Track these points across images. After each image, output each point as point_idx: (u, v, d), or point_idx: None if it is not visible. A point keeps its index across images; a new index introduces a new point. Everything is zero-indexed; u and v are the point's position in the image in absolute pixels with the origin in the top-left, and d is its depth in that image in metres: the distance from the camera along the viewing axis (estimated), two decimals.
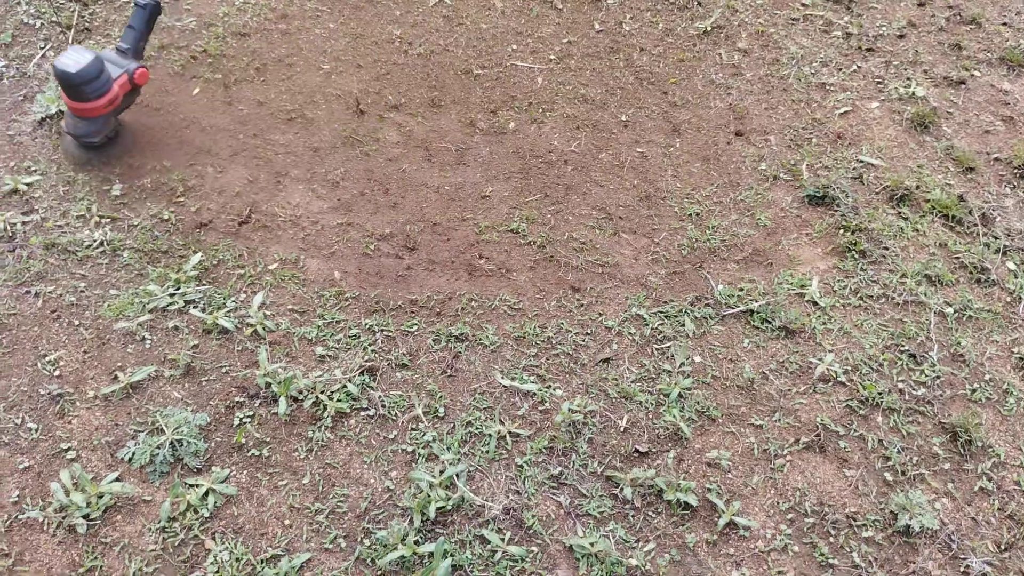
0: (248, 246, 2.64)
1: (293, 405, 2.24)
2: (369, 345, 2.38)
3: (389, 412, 2.24)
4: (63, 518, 2.01)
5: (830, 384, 2.33)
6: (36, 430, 2.18)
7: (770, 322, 2.45)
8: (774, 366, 2.36)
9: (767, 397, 2.29)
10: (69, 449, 2.15)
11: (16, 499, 2.05)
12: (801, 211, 2.82)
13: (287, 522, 2.04)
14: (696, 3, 3.58)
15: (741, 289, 2.54)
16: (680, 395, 2.26)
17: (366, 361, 2.34)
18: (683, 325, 2.45)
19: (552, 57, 3.35)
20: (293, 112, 3.10)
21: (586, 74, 3.28)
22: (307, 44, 3.37)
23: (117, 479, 2.09)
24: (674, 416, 2.21)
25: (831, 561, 1.98)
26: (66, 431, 2.18)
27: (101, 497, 2.04)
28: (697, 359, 2.37)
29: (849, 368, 2.36)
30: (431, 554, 1.95)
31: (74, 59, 2.52)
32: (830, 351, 2.40)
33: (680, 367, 2.34)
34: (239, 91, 3.18)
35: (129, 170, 2.85)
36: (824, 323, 2.47)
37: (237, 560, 1.96)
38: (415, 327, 2.44)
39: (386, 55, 3.33)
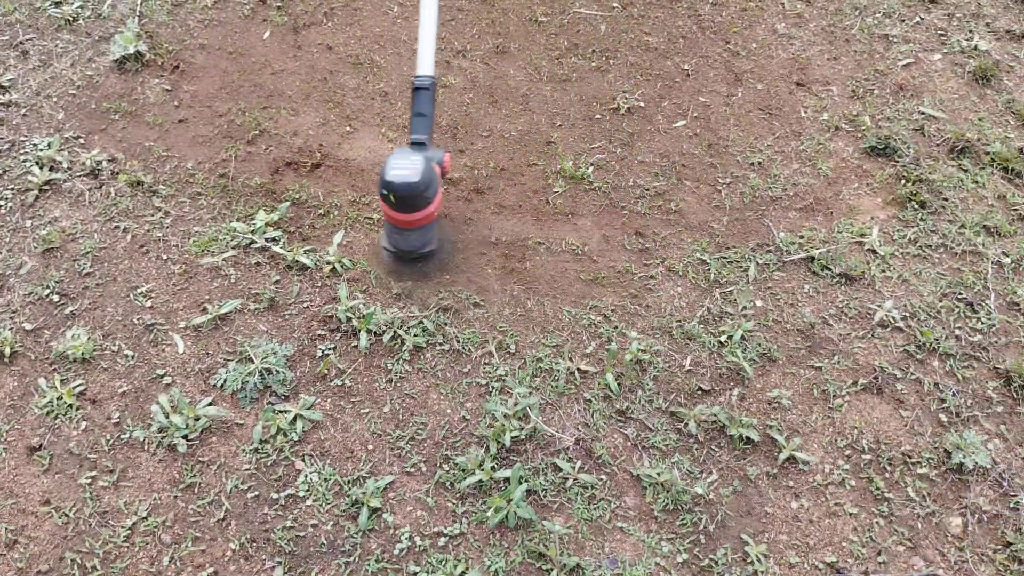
0: (323, 187, 2.74)
1: (373, 339, 2.36)
2: (441, 284, 2.49)
3: (463, 348, 2.35)
4: (163, 438, 2.17)
5: (888, 329, 2.40)
6: (132, 357, 2.33)
7: (830, 269, 2.52)
8: (833, 311, 2.43)
9: (826, 340, 2.37)
10: (165, 375, 2.29)
11: (117, 420, 2.21)
12: (862, 161, 2.85)
13: (370, 447, 2.18)
14: None
15: (802, 236, 2.61)
16: (743, 337, 2.35)
17: (440, 300, 2.44)
18: (745, 270, 2.53)
19: (615, 5, 3.37)
20: (361, 56, 3.18)
21: (649, 23, 3.31)
22: None
23: (211, 403, 2.23)
24: (737, 356, 2.30)
25: (886, 495, 2.08)
26: (161, 358, 2.33)
27: (198, 419, 2.19)
28: (759, 303, 2.45)
29: (907, 314, 2.43)
30: (507, 479, 2.08)
31: (408, 167, 2.24)
32: (889, 298, 2.46)
33: (742, 310, 2.42)
34: (308, 35, 3.25)
35: (209, 112, 2.95)
36: (883, 271, 2.53)
37: (325, 480, 2.11)
38: (486, 268, 2.54)
39: (451, 1, 3.38)
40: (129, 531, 2.00)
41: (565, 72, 3.13)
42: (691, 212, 2.68)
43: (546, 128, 2.95)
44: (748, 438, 2.15)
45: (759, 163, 2.82)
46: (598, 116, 2.99)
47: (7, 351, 2.28)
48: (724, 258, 2.56)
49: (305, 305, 2.45)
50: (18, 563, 1.94)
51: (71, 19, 3.25)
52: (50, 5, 3.29)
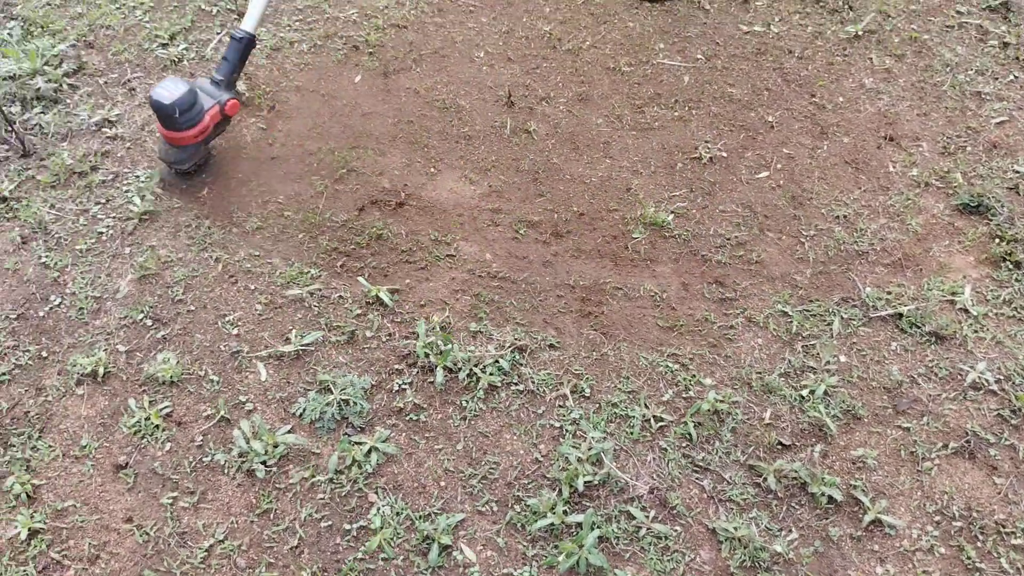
0: (406, 226, 2.80)
1: (449, 376, 2.38)
2: (519, 324, 2.50)
3: (538, 389, 2.35)
4: (242, 463, 2.21)
5: (981, 392, 2.31)
6: (217, 382, 2.39)
7: (919, 327, 2.44)
8: (923, 371, 2.35)
9: (915, 401, 2.29)
10: (247, 401, 2.35)
11: (200, 443, 2.27)
12: (953, 219, 2.78)
13: (442, 483, 2.18)
14: (847, 7, 3.56)
15: (889, 293, 2.54)
16: (825, 392, 2.29)
17: (516, 339, 2.45)
18: (829, 324, 2.47)
19: (699, 57, 3.40)
20: (447, 101, 3.26)
21: (733, 75, 3.32)
22: (460, 37, 3.52)
23: (290, 431, 2.27)
24: (819, 412, 2.24)
25: (978, 565, 1.98)
26: (244, 385, 2.39)
27: (277, 447, 2.23)
28: (843, 359, 2.39)
29: (1001, 377, 2.33)
30: (579, 524, 2.05)
31: (169, 89, 2.60)
32: (981, 359, 2.37)
33: (825, 365, 2.36)
34: (397, 80, 3.35)
35: (300, 150, 3.06)
36: (976, 331, 2.45)
37: (397, 514, 2.11)
38: (563, 311, 2.55)
39: (536, 50, 3.45)
40: (206, 553, 2.04)
41: (647, 120, 3.15)
42: (773, 263, 2.65)
43: (627, 175, 2.96)
44: (831, 497, 2.08)
45: (844, 216, 2.78)
46: (679, 165, 2.99)
47: (101, 371, 2.37)
48: (807, 311, 2.51)
49: (384, 339, 2.49)
50: None
51: (176, 60, 3.43)
52: (157, 47, 3.48)
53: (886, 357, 2.39)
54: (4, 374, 2.38)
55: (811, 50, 3.40)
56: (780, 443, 2.21)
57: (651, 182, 2.94)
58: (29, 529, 2.05)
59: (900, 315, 2.47)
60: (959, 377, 2.33)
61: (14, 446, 2.22)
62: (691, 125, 3.13)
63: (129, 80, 3.38)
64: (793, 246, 2.70)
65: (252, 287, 2.64)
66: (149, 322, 2.52)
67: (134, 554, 2.04)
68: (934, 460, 2.17)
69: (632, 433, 2.25)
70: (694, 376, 2.36)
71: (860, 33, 3.41)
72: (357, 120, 3.20)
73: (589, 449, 2.19)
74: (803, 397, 2.30)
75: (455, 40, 3.51)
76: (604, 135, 3.11)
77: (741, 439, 2.23)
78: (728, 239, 2.73)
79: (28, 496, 2.12)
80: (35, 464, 2.19)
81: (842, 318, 2.48)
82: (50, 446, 2.23)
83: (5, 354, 2.42)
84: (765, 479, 2.13)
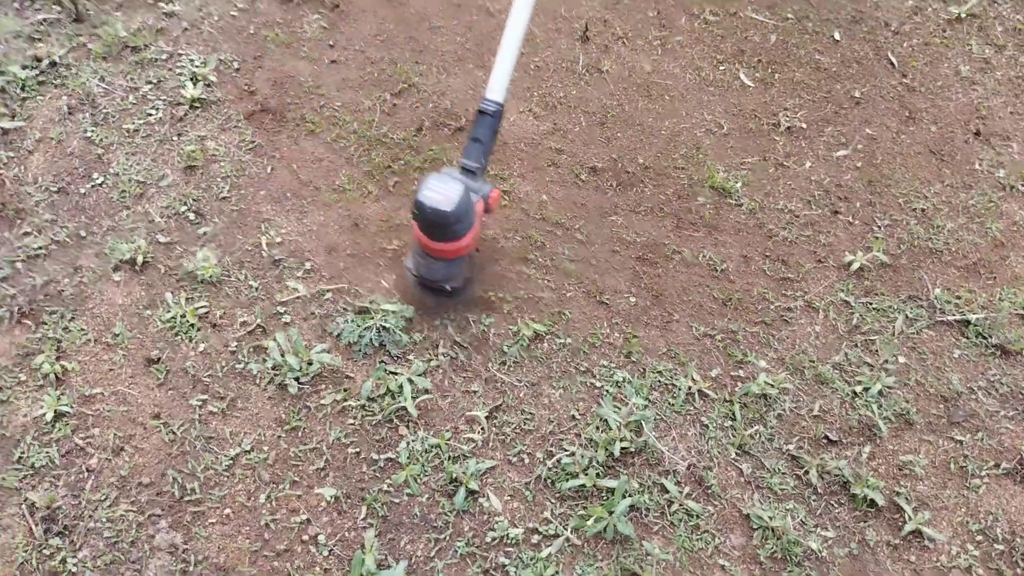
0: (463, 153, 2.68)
1: (495, 316, 2.30)
2: (569, 273, 2.41)
3: (582, 345, 2.27)
4: (275, 375, 2.15)
5: None
6: (256, 288, 2.32)
7: (986, 337, 2.35)
8: (984, 384, 2.27)
9: (972, 414, 2.20)
10: (285, 313, 2.28)
11: (234, 349, 2.20)
12: None
13: (475, 426, 2.12)
14: None
15: (959, 297, 2.43)
16: (880, 392, 2.21)
17: (564, 293, 2.36)
18: (892, 322, 2.37)
19: (790, 15, 3.21)
20: None
21: (822, 40, 3.14)
22: None
23: (326, 351, 2.20)
24: (871, 411, 2.16)
25: None
26: (283, 296, 2.31)
27: (311, 364, 2.16)
28: (902, 359, 2.30)
29: None
30: (611, 490, 2.00)
31: (443, 192, 1.99)
32: None
33: (883, 363, 2.27)
34: None
35: (362, 57, 2.92)
36: None
37: (427, 452, 2.06)
38: (616, 267, 2.45)
39: None
40: (231, 461, 2.00)
41: (726, 78, 2.99)
42: (841, 249, 2.53)
43: (699, 133, 2.82)
44: (872, 500, 2.02)
45: (922, 210, 2.65)
46: (754, 130, 2.85)
47: (140, 259, 2.29)
48: (870, 304, 2.41)
49: None
50: (121, 471, 1.95)
51: None
52: None
53: (947, 364, 2.30)
54: (41, 248, 2.30)
55: (909, 26, 3.20)
56: (827, 437, 2.14)
57: (723, 144, 2.80)
58: (55, 411, 2.00)
59: (968, 322, 2.37)
60: (1020, 396, 2.25)
61: (46, 324, 2.16)
62: (772, 90, 2.97)
63: None
64: (864, 233, 2.58)
65: (299, 195, 2.54)
66: (192, 216, 2.43)
67: (159, 451, 2.00)
68: (983, 478, 2.10)
69: (675, 405, 2.18)
70: (745, 355, 2.28)
71: (963, 16, 3.22)
72: (424, 33, 3.05)
73: (630, 414, 2.12)
74: (856, 393, 2.22)
75: None
76: (679, 87, 2.96)
77: (787, 427, 2.16)
78: (797, 216, 2.61)
79: (56, 377, 2.07)
80: (66, 346, 2.13)
81: (907, 317, 2.38)
82: (82, 329, 2.16)
83: (43, 228, 2.34)
84: (807, 472, 2.07)
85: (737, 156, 2.77)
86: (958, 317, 2.38)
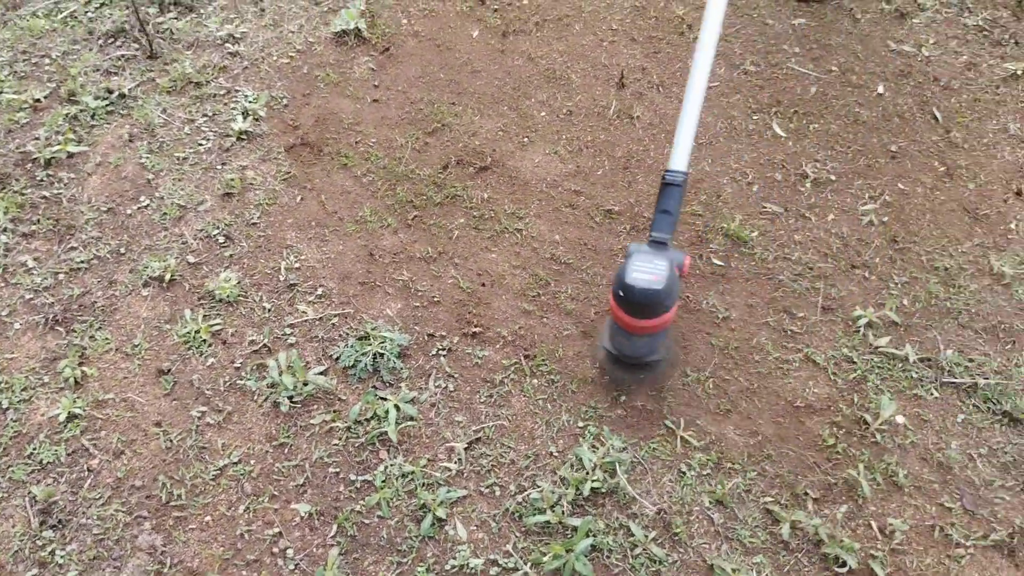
0: (484, 192, 2.78)
1: (489, 350, 2.36)
2: (569, 312, 2.45)
3: (571, 383, 2.31)
4: (271, 393, 2.28)
5: None
6: (268, 310, 2.47)
7: (994, 404, 2.23)
8: (984, 451, 2.16)
9: (966, 482, 2.10)
10: (291, 335, 2.41)
11: (239, 365, 2.35)
12: None
13: (453, 456, 2.18)
14: (1014, 41, 3.22)
15: (971, 360, 2.33)
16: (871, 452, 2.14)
17: (559, 332, 2.41)
18: (895, 380, 2.29)
19: (833, 68, 3.17)
20: (558, 72, 3.19)
21: (865, 93, 3.08)
22: (590, 8, 3.42)
23: (322, 373, 2.32)
24: (857, 470, 2.10)
25: None
26: (292, 318, 2.45)
27: (306, 384, 2.29)
28: (899, 419, 2.22)
29: None
30: (575, 528, 2.01)
31: (651, 271, 1.99)
32: None
33: (880, 422, 2.20)
34: (514, 42, 3.30)
35: (403, 97, 3.07)
36: None
37: (402, 476, 2.14)
38: None
39: (663, 33, 3.31)
40: (218, 472, 2.13)
41: (759, 128, 2.98)
42: (851, 302, 2.47)
43: (721, 181, 2.82)
44: (844, 562, 1.95)
45: (946, 269, 2.55)
46: (780, 180, 2.82)
47: (168, 276, 2.49)
48: (874, 361, 2.34)
49: (436, 298, 2.49)
50: (118, 472, 2.12)
51: None
52: None
53: (948, 428, 2.20)
54: (83, 262, 2.53)
55: (960, 82, 3.11)
56: (806, 493, 2.09)
57: (744, 193, 2.79)
58: (69, 413, 2.19)
59: (976, 386, 2.26)
60: (1021, 466, 2.13)
61: (75, 331, 2.37)
62: (804, 141, 2.94)
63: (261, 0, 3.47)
64: (879, 289, 2.51)
65: (323, 224, 2.69)
66: (222, 239, 2.62)
67: (155, 457, 2.15)
68: (968, 548, 1.99)
69: (654, 449, 2.18)
70: (735, 404, 2.26)
71: (1020, 73, 3.09)
72: (465, 76, 3.18)
73: (605, 455, 2.13)
74: (843, 451, 2.16)
75: (583, 10, 3.42)
76: (708, 135, 2.97)
77: (767, 480, 2.12)
78: (811, 268, 2.57)
79: (76, 382, 2.27)
80: (89, 353, 2.34)
81: (911, 377, 2.30)
82: (107, 338, 2.37)
83: (88, 244, 2.58)
84: (780, 526, 2.02)
85: (757, 205, 2.75)
86: (967, 381, 2.28)
